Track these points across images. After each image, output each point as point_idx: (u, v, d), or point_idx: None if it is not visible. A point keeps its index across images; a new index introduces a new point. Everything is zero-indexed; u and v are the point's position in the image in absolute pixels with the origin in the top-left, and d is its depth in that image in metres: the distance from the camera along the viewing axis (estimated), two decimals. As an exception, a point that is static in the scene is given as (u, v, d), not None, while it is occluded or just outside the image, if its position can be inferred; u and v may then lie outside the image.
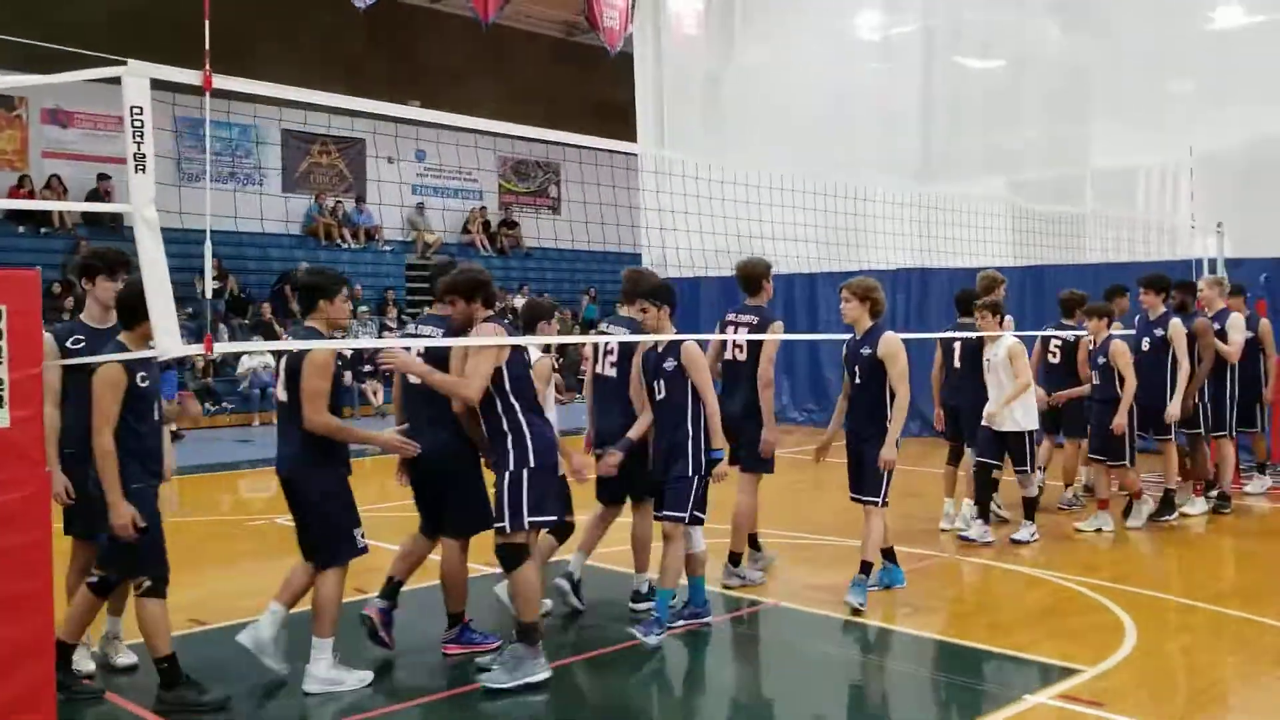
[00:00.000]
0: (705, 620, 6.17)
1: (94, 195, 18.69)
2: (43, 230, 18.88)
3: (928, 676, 5.63)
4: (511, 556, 5.23)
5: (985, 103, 16.49)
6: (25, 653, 3.97)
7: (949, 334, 8.79)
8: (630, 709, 5.30)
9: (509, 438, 5.26)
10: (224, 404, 17.22)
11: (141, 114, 4.28)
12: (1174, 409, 8.86)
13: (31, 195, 18.37)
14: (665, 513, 5.92)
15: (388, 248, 23.46)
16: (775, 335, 6.91)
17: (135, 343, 4.76)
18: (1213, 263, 11.37)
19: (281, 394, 5.20)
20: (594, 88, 23.48)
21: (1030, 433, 8.07)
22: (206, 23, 4.50)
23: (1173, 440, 9.15)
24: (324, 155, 23.34)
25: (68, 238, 18.66)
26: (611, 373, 6.48)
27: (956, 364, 8.61)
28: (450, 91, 21.37)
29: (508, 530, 5.20)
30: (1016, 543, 8.09)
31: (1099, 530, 8.61)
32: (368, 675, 5.28)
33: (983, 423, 8.15)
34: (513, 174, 27.11)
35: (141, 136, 4.28)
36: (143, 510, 4.66)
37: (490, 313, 5.40)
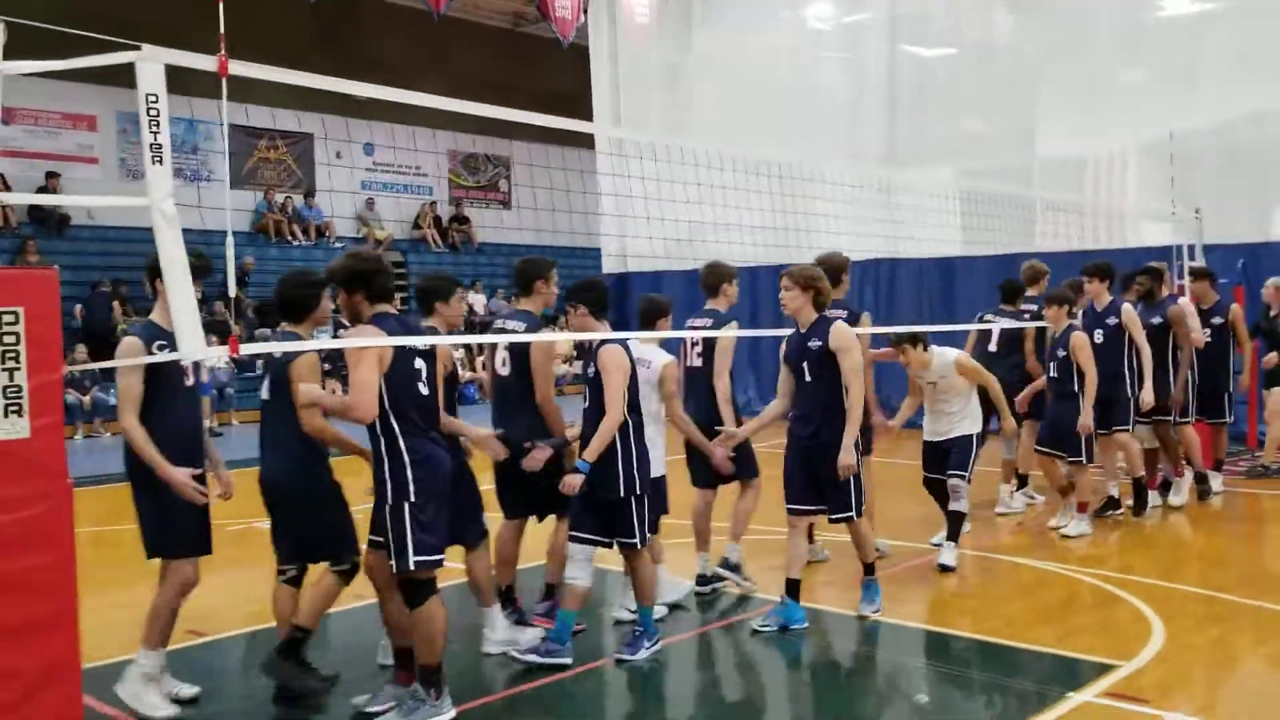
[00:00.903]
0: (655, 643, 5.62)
1: (42, 192, 18.06)
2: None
3: (968, 676, 5.50)
4: (412, 593, 4.58)
5: (937, 91, 16.62)
6: (49, 678, 3.69)
7: (980, 324, 9.16)
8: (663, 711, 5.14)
9: (384, 464, 4.50)
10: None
11: (157, 102, 4.02)
12: (1148, 396, 8.45)
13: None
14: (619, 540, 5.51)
15: (339, 244, 22.97)
16: (727, 333, 6.54)
17: (305, 332, 5.01)
18: (1191, 249, 11.45)
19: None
20: (544, 80, 23.23)
21: (975, 436, 7.31)
22: (220, 6, 4.24)
23: (1129, 429, 8.60)
24: (272, 150, 22.79)
25: (13, 237, 17.99)
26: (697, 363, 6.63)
27: (993, 348, 8.95)
28: (398, 84, 20.89)
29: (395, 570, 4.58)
30: (944, 568, 7.18)
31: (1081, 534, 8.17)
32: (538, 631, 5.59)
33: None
34: (462, 168, 26.74)
35: (158, 126, 4.02)
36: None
37: (384, 308, 4.65)
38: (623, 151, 14.99)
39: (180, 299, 4.03)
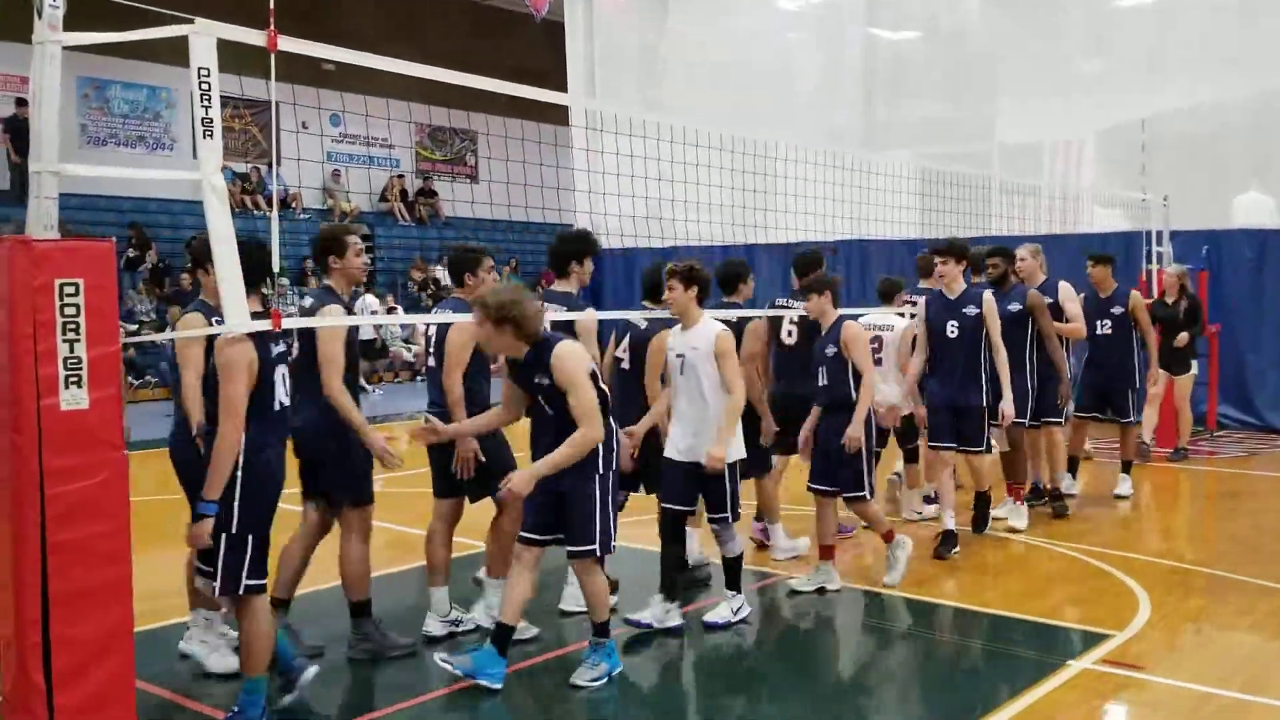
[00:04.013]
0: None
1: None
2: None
3: (971, 645, 5.72)
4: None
5: (904, 74, 16.89)
6: (105, 646, 3.75)
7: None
8: (675, 692, 5.28)
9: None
10: (147, 377, 16.54)
11: (209, 76, 4.05)
12: (1007, 407, 7.17)
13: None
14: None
15: (304, 216, 22.77)
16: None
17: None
18: (1159, 235, 11.78)
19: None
20: (512, 55, 23.06)
21: (735, 465, 5.74)
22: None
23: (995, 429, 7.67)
24: (236, 120, 22.49)
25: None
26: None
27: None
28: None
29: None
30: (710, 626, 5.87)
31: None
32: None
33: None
34: (430, 141, 26.57)
35: (209, 100, 4.06)
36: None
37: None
38: (595, 126, 15.01)
39: (228, 272, 4.07)
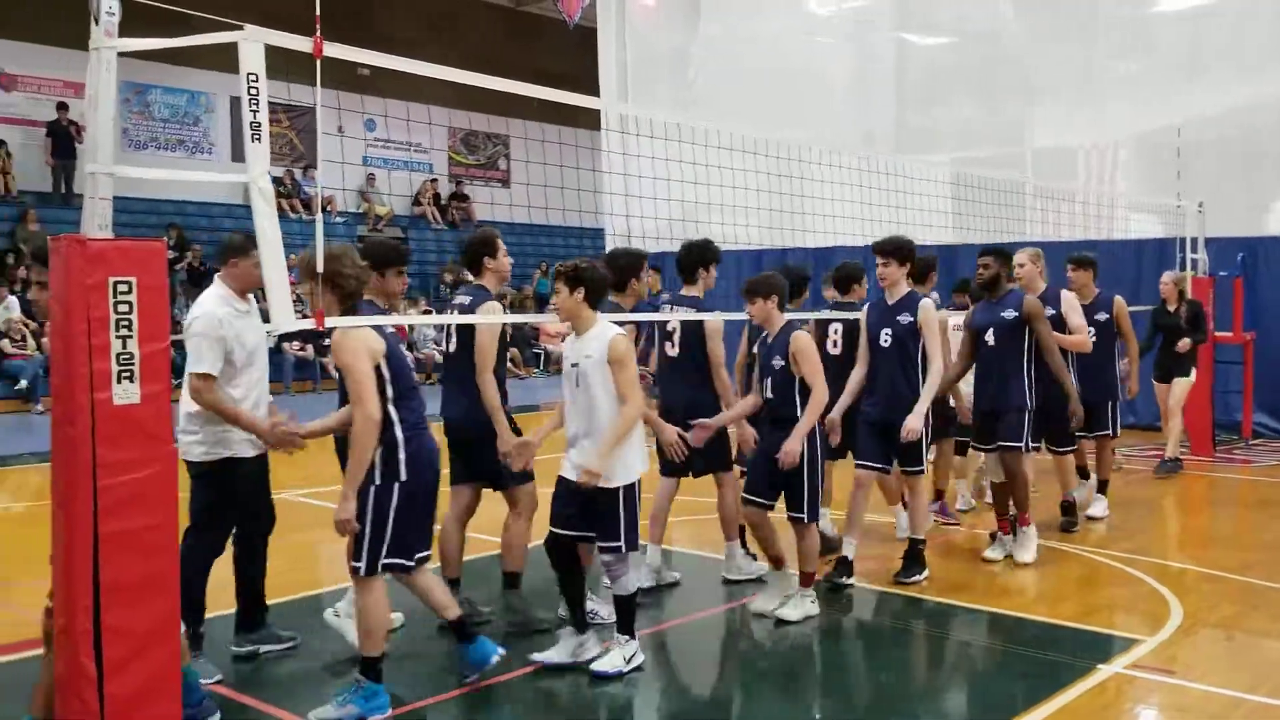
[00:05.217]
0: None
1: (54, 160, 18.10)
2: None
3: (1000, 649, 5.74)
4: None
5: (937, 78, 16.86)
6: (153, 638, 3.84)
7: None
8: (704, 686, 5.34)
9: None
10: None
11: (257, 81, 4.15)
12: (915, 420, 6.38)
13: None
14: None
15: (339, 219, 23.03)
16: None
17: (627, 302, 6.11)
18: (1194, 242, 11.72)
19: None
20: (544, 60, 23.31)
21: (633, 488, 5.16)
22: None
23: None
24: (274, 124, 22.72)
25: (13, 205, 17.97)
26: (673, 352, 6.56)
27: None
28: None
29: None
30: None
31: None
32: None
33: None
34: (462, 145, 26.79)
35: (257, 105, 4.15)
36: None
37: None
38: (628, 130, 15.09)
39: (274, 273, 4.17)
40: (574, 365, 5.11)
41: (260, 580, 5.39)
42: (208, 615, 5.16)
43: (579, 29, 20.77)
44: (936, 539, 7.70)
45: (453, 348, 5.78)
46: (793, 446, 5.70)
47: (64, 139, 18.89)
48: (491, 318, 5.59)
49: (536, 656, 5.23)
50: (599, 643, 5.24)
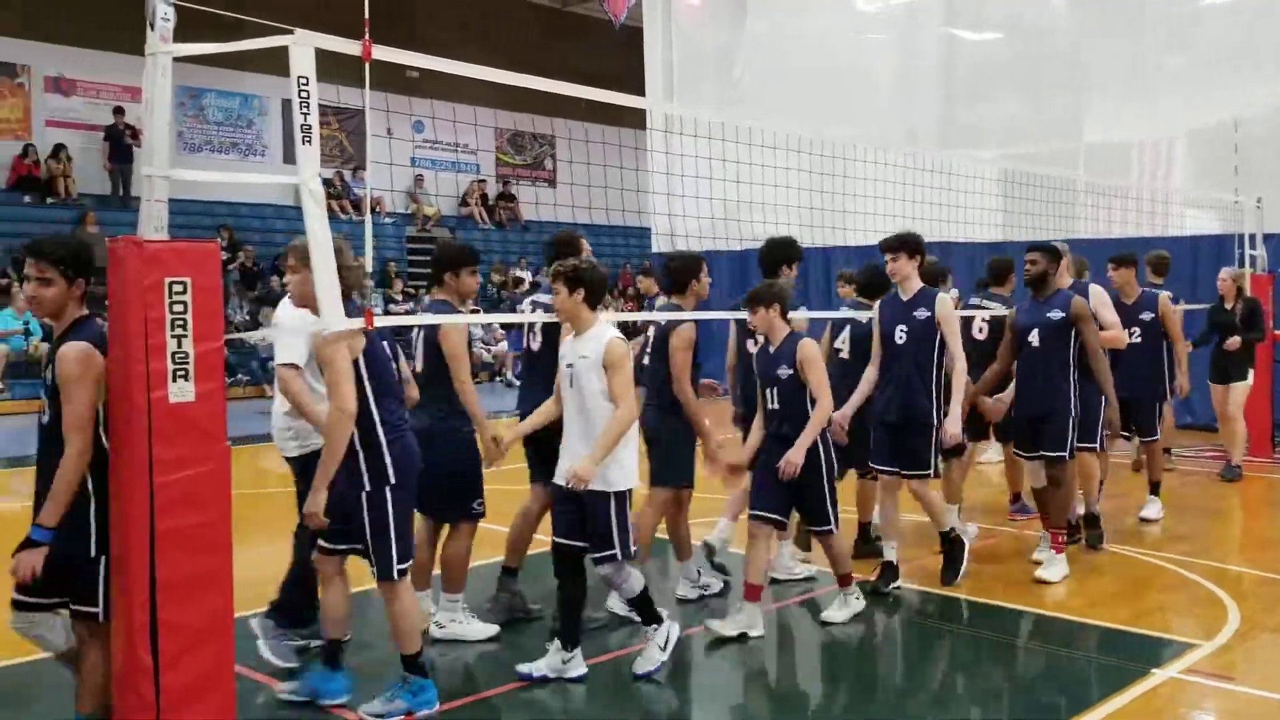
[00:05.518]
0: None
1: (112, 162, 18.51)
2: (48, 200, 18.56)
3: (1054, 652, 5.64)
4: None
5: (986, 74, 16.68)
6: (206, 633, 3.91)
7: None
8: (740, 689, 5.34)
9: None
10: (239, 375, 17.02)
11: (308, 84, 4.20)
12: (954, 424, 6.30)
13: (37, 165, 18.07)
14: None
15: (388, 220, 23.24)
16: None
17: (687, 303, 6.07)
18: (1252, 238, 11.50)
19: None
20: (588, 60, 23.33)
21: (625, 495, 5.08)
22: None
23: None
24: (324, 127, 22.96)
25: (73, 208, 18.34)
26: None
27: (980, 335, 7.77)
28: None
29: None
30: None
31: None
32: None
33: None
34: (509, 146, 26.93)
35: (308, 108, 4.21)
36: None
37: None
38: (672, 128, 15.09)
39: (324, 273, 4.23)
40: (569, 365, 5.02)
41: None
42: (252, 611, 5.23)
43: (623, 28, 20.81)
44: (988, 539, 7.64)
45: (536, 345, 5.94)
46: (795, 457, 5.53)
47: (121, 143, 19.26)
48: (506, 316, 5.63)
49: (521, 669, 5.05)
50: (581, 662, 5.07)
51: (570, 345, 5.07)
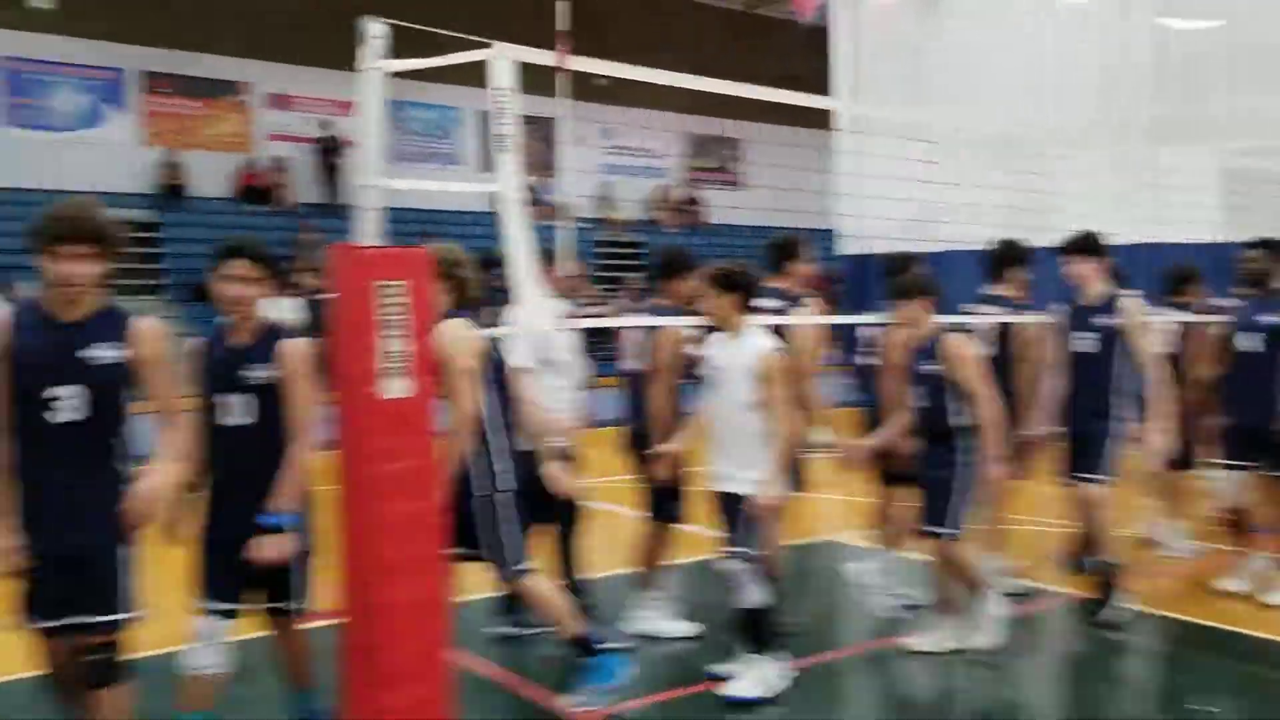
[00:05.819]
0: None
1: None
2: (269, 208, 19.98)
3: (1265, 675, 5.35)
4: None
5: (1197, 64, 15.75)
6: (420, 613, 4.11)
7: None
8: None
9: None
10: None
11: (506, 95, 4.39)
12: (1154, 438, 5.86)
13: (261, 175, 19.56)
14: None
15: (579, 225, 23.77)
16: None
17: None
18: None
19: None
20: (772, 61, 23.21)
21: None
22: (567, 3, 4.58)
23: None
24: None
25: (292, 215, 19.62)
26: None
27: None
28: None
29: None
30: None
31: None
32: None
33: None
34: (695, 150, 27.12)
35: (506, 118, 4.40)
36: None
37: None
38: (860, 128, 14.88)
39: (523, 276, 4.41)
40: (718, 369, 4.95)
41: None
42: (469, 598, 5.47)
43: (807, 29, 20.60)
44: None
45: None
46: (995, 473, 5.33)
47: (331, 154, 20.46)
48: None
49: (730, 693, 4.93)
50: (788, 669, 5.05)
51: (721, 348, 4.98)
